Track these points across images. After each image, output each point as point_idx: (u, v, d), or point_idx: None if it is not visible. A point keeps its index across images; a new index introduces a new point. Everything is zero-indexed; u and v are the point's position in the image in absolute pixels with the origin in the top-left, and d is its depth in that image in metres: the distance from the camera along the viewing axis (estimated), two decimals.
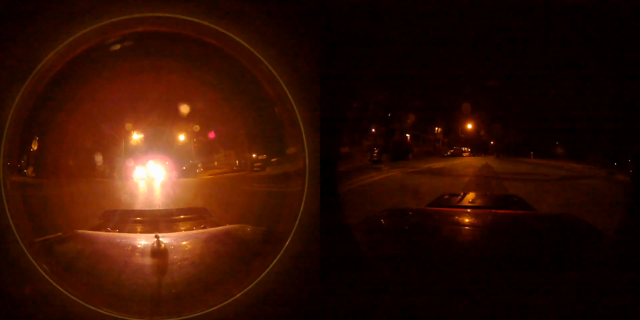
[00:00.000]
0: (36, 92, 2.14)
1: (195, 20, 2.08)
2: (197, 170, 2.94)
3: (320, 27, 2.19)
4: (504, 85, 4.91)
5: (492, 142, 6.62)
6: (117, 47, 2.29)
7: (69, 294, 2.04)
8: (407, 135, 6.22)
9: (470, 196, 3.95)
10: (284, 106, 2.22)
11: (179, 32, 2.19)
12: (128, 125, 2.69)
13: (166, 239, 2.48)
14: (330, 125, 2.35)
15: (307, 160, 2.18)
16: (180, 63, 2.53)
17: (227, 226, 2.72)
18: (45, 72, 2.09)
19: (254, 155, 2.86)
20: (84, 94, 2.50)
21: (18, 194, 2.21)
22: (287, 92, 2.16)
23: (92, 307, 2.04)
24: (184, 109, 2.66)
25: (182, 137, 2.84)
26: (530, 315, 2.01)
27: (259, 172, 2.82)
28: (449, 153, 6.85)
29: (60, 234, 2.58)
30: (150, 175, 2.79)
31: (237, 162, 2.96)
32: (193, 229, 2.84)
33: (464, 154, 6.85)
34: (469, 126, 6.43)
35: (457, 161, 6.77)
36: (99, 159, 2.67)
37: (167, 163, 2.82)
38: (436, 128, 6.75)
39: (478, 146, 6.70)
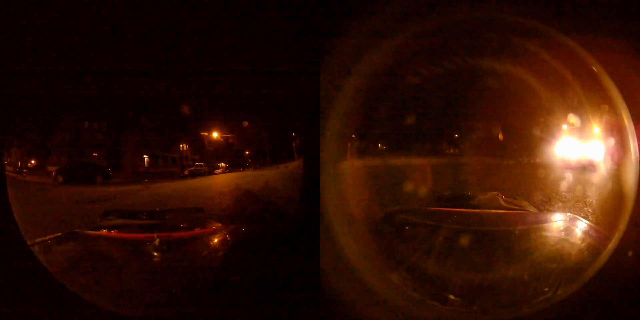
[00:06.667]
0: None
1: None
2: None
3: None
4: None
5: (247, 152, 5.79)
6: None
7: (69, 294, 2.03)
8: (145, 156, 5.41)
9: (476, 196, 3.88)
10: None
11: None
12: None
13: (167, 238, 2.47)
14: None
15: None
16: None
17: None
18: None
19: None
20: None
21: None
22: None
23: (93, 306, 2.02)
24: None
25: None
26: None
27: None
28: (186, 173, 5.77)
29: (60, 234, 2.58)
30: None
31: None
32: (193, 229, 2.84)
33: (217, 171, 5.82)
34: (215, 135, 5.58)
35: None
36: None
37: None
38: (181, 145, 5.82)
39: (233, 159, 5.82)
